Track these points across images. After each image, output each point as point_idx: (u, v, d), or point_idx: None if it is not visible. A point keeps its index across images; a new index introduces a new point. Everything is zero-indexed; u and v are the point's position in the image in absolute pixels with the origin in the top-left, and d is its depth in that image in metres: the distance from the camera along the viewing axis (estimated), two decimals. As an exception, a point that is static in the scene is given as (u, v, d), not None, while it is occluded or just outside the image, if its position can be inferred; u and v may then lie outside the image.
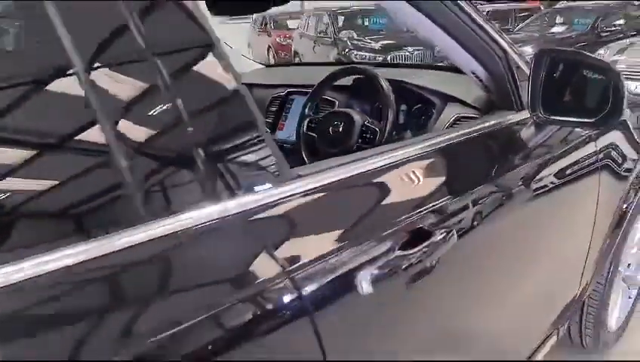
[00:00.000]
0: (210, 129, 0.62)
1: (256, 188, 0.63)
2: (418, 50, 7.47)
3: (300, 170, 0.71)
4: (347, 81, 1.48)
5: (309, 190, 0.68)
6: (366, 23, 9.21)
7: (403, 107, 1.46)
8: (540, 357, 1.33)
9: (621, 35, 7.04)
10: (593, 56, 1.10)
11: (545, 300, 1.36)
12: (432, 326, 0.90)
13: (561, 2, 12.57)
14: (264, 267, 0.61)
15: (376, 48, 7.62)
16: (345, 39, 8.13)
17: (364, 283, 0.66)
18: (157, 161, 0.59)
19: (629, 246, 1.83)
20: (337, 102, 1.56)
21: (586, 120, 1.05)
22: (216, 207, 0.58)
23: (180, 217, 0.55)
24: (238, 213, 0.60)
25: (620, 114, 0.99)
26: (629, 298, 1.97)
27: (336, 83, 1.45)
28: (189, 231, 0.56)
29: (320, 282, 0.65)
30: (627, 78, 5.04)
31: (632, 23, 7.83)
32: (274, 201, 0.64)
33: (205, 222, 0.57)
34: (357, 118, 1.30)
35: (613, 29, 7.70)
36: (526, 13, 10.59)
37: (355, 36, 8.28)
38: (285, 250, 0.64)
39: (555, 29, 8.07)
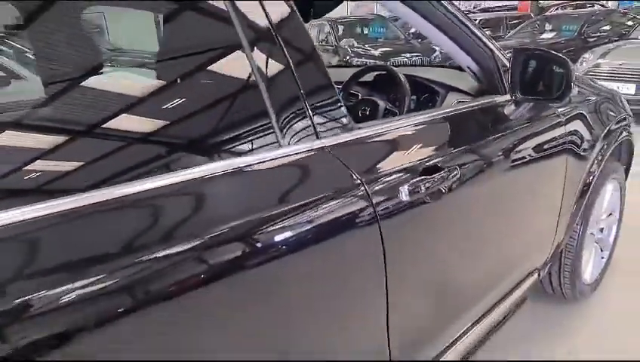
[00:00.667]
0: (312, 90, 1.00)
1: (335, 132, 1.02)
2: (416, 55, 7.91)
3: (358, 125, 1.09)
4: (369, 77, 1.87)
5: (366, 136, 1.08)
6: (365, 32, 9.65)
7: (413, 97, 1.84)
8: (522, 289, 1.70)
9: (606, 40, 7.52)
10: (553, 52, 1.50)
11: (525, 247, 1.73)
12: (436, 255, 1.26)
13: (550, 10, 13.07)
14: (346, 180, 0.98)
15: (376, 55, 8.05)
16: (345, 47, 8.55)
17: (404, 194, 1.04)
18: (281, 106, 0.95)
19: (600, 213, 2.22)
20: (360, 94, 1.95)
21: (549, 97, 1.46)
22: (307, 145, 0.96)
23: (290, 148, 0.93)
24: (323, 148, 0.98)
25: (569, 91, 1.41)
26: (602, 258, 2.36)
27: (361, 79, 1.84)
28: (296, 159, 0.94)
29: (387, 191, 1.03)
30: (610, 79, 5.48)
31: (616, 30, 8.34)
32: (347, 141, 1.03)
33: (303, 153, 0.95)
34: (380, 103, 1.69)
35: (599, 34, 8.21)
36: (517, 21, 11.10)
37: (355, 44, 8.71)
38: (358, 171, 1.01)
39: (544, 35, 8.53)
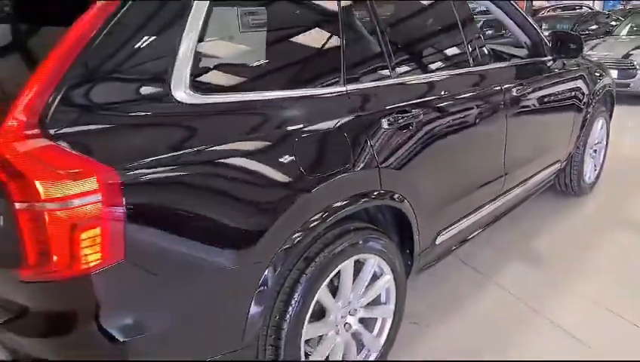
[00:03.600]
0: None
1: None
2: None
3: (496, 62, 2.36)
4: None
5: (500, 67, 2.38)
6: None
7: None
8: (554, 167, 3.00)
9: (594, 37, 8.93)
10: (571, 32, 2.78)
11: (556, 143, 2.99)
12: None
13: (542, 12, 14.49)
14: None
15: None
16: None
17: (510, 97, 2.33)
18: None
19: (593, 139, 3.49)
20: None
21: (571, 55, 2.76)
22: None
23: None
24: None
25: (581, 51, 2.72)
26: (595, 170, 3.65)
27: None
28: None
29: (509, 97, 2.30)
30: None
31: (602, 28, 9.81)
32: (498, 68, 2.30)
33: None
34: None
35: (587, 32, 9.64)
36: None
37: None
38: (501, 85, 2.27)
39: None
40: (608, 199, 3.55)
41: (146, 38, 1.21)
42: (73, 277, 1.07)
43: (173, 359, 1.29)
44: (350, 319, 1.71)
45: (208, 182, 1.24)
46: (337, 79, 1.60)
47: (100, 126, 1.13)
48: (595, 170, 3.64)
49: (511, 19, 2.73)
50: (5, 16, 1.55)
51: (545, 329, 2.11)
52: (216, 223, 1.26)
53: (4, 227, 1.08)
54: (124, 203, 1.08)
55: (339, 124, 1.54)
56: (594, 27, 9.94)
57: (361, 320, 1.76)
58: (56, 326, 1.15)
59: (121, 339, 1.15)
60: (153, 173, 1.13)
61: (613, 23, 11.30)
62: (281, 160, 1.37)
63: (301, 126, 1.44)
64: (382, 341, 1.83)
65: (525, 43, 2.85)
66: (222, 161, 1.26)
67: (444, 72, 2.10)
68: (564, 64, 2.90)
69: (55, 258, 1.05)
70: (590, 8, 14.11)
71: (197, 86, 1.26)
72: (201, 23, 1.27)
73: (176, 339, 1.27)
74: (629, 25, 8.37)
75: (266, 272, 1.36)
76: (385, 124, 1.67)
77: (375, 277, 1.75)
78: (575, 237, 2.98)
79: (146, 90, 1.22)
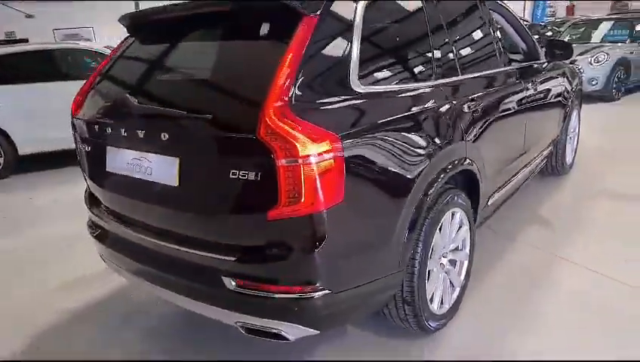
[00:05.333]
0: None
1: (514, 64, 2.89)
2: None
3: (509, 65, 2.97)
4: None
5: (507, 69, 2.99)
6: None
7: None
8: (549, 149, 3.68)
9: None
10: (560, 39, 3.47)
11: (550, 129, 3.67)
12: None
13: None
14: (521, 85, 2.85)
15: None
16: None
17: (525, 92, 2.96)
18: None
19: (570, 128, 4.23)
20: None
21: (562, 57, 3.45)
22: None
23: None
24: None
25: (571, 55, 3.41)
26: (572, 152, 4.40)
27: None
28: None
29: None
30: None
31: (541, 38, 11.04)
32: (517, 69, 2.90)
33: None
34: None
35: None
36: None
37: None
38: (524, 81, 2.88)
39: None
40: (585, 175, 4.30)
41: (333, 45, 1.69)
42: (311, 214, 1.51)
43: (362, 275, 1.73)
44: (444, 260, 2.22)
45: (384, 143, 1.72)
46: (431, 75, 2.14)
47: (320, 107, 1.58)
48: (572, 153, 4.39)
49: (514, 28, 3.38)
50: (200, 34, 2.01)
51: (571, 269, 2.71)
52: (391, 172, 1.75)
53: (259, 181, 1.50)
54: (343, 159, 1.53)
55: (442, 108, 2.08)
56: (536, 37, 11.22)
57: (450, 262, 2.27)
58: (285, 253, 1.56)
59: (331, 260, 1.58)
60: (355, 137, 1.60)
61: (549, 33, 12.77)
62: (419, 131, 1.90)
63: (422, 108, 1.96)
64: (462, 278, 2.36)
65: (522, 48, 3.51)
66: (389, 128, 1.76)
67: (489, 71, 2.67)
68: (554, 66, 3.59)
69: (303, 199, 1.48)
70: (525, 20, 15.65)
71: (362, 80, 1.74)
72: (360, 36, 1.76)
73: (365, 261, 1.73)
74: (568, 35, 9.56)
75: (413, 213, 1.85)
76: (465, 108, 2.22)
77: (459, 228, 2.28)
78: (571, 205, 3.68)
79: (339, 83, 1.68)
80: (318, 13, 1.66)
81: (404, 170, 1.80)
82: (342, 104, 1.65)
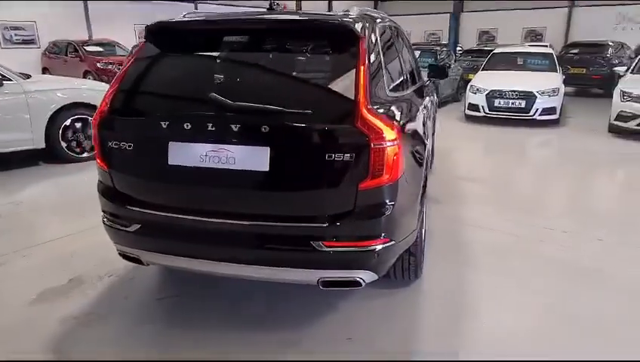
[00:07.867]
0: None
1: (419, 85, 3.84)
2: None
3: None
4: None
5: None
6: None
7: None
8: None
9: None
10: (441, 64, 4.64)
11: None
12: None
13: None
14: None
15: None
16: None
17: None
18: None
19: (435, 128, 5.53)
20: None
21: (442, 78, 4.64)
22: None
23: None
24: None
25: (446, 75, 4.61)
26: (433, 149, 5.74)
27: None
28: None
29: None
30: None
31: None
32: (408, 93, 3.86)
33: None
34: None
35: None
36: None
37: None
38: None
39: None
40: (446, 163, 5.66)
41: (374, 59, 2.30)
42: (389, 184, 2.08)
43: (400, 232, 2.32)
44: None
45: (409, 133, 2.42)
46: (408, 86, 2.92)
47: (383, 107, 2.17)
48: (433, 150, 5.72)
49: (411, 55, 4.39)
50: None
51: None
52: (414, 153, 2.46)
53: (356, 160, 2.01)
54: (401, 143, 2.15)
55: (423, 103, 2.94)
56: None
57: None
58: (370, 215, 2.11)
59: (397, 218, 2.18)
60: (401, 128, 2.22)
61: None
62: (421, 122, 2.67)
63: (420, 106, 2.75)
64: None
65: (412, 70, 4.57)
66: (409, 122, 2.47)
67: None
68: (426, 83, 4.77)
69: (385, 174, 2.05)
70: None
71: (388, 87, 2.38)
72: (382, 58, 2.42)
73: (407, 219, 2.35)
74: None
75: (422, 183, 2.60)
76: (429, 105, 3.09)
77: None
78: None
79: (382, 89, 2.29)
80: (364, 36, 2.24)
81: (419, 154, 2.53)
82: (390, 105, 2.26)
